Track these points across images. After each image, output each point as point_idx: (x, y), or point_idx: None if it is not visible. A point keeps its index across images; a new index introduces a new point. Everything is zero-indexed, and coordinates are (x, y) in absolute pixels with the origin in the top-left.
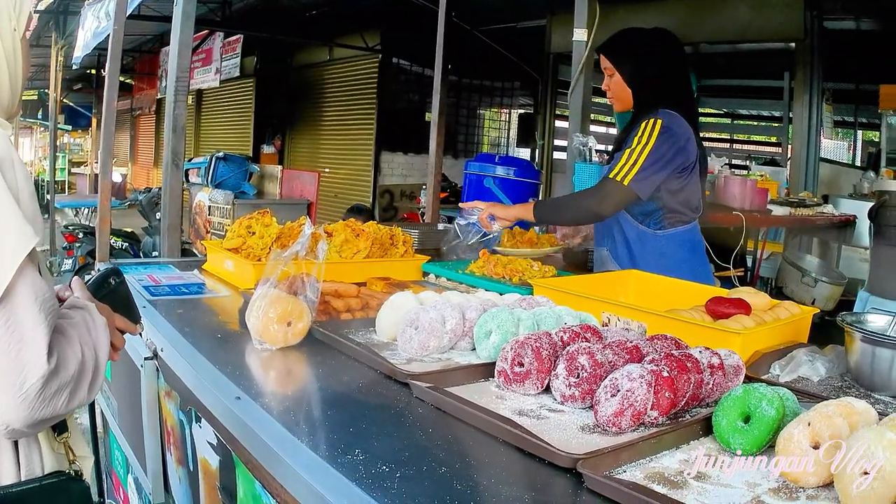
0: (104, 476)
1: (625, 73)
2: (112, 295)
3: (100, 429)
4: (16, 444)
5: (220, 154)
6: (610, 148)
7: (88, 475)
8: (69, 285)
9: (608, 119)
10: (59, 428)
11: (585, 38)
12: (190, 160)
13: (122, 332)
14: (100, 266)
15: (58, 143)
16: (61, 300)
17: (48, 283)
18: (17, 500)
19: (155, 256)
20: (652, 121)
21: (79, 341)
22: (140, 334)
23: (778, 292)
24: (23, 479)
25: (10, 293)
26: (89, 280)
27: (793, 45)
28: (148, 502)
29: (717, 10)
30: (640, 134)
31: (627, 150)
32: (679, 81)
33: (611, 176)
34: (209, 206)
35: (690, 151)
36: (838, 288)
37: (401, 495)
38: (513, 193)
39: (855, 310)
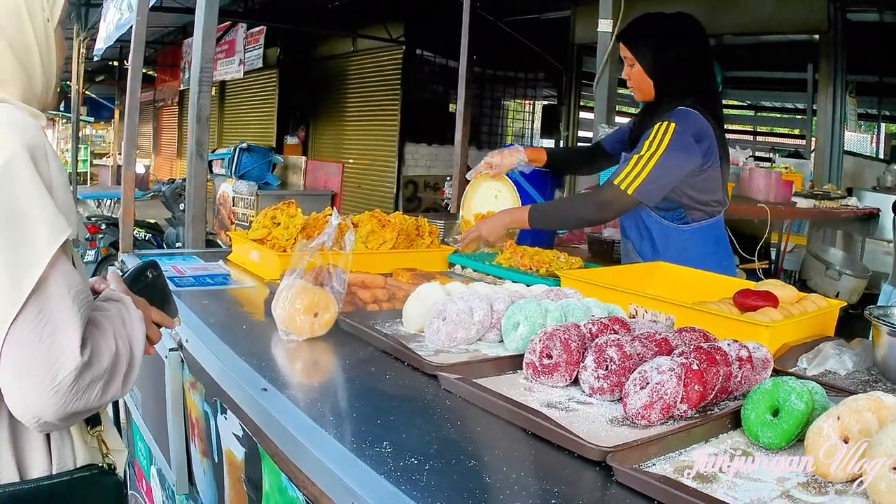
0: (127, 467)
1: (645, 62)
2: (149, 288)
3: (123, 420)
4: (48, 436)
5: (244, 145)
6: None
7: (121, 469)
8: (105, 277)
9: (634, 110)
10: (93, 421)
11: (610, 29)
12: (214, 151)
13: (159, 326)
14: (123, 257)
15: (80, 135)
16: (97, 292)
17: (82, 274)
18: (49, 494)
19: (178, 247)
20: (665, 125)
21: (113, 334)
22: (176, 329)
23: (802, 285)
24: (54, 472)
25: (42, 285)
26: (126, 273)
27: (816, 37)
28: (171, 494)
29: (741, 2)
30: (650, 139)
31: (636, 156)
32: (702, 70)
33: (615, 182)
34: (233, 197)
35: (710, 149)
36: (862, 281)
37: (430, 488)
38: (537, 184)
39: (879, 303)
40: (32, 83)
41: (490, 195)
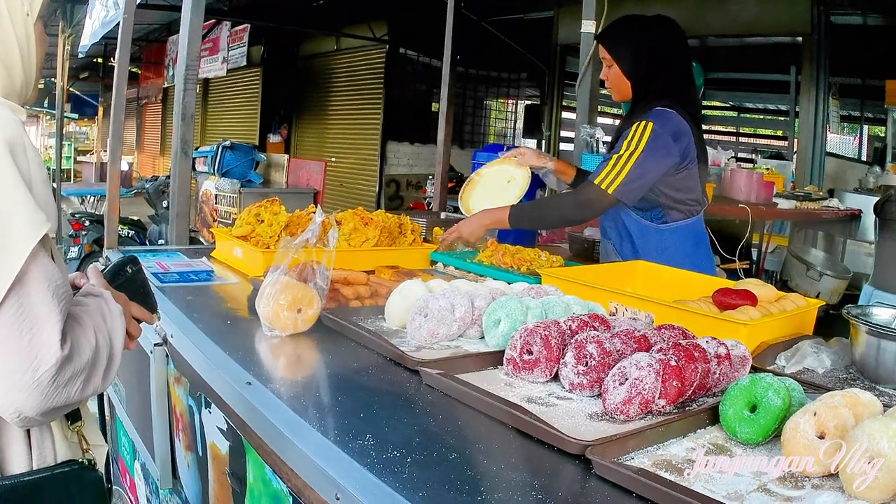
0: (111, 462)
1: (622, 63)
2: (129, 283)
3: (107, 415)
4: (28, 432)
5: (227, 143)
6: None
7: (102, 464)
8: (85, 273)
9: (616, 111)
10: (73, 416)
11: (593, 30)
12: (197, 149)
13: (139, 321)
14: (108, 253)
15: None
16: (77, 288)
17: (62, 270)
18: (30, 489)
19: (161, 244)
20: (643, 124)
21: (93, 328)
22: (156, 324)
23: (783, 285)
24: (35, 468)
25: (22, 279)
26: (106, 268)
27: (800, 39)
28: (155, 488)
29: (725, 4)
30: (629, 138)
31: (615, 156)
32: (680, 72)
33: (595, 182)
34: (216, 195)
35: (687, 148)
36: (843, 282)
37: (412, 480)
38: None
39: (859, 303)
40: (12, 79)
41: (503, 178)
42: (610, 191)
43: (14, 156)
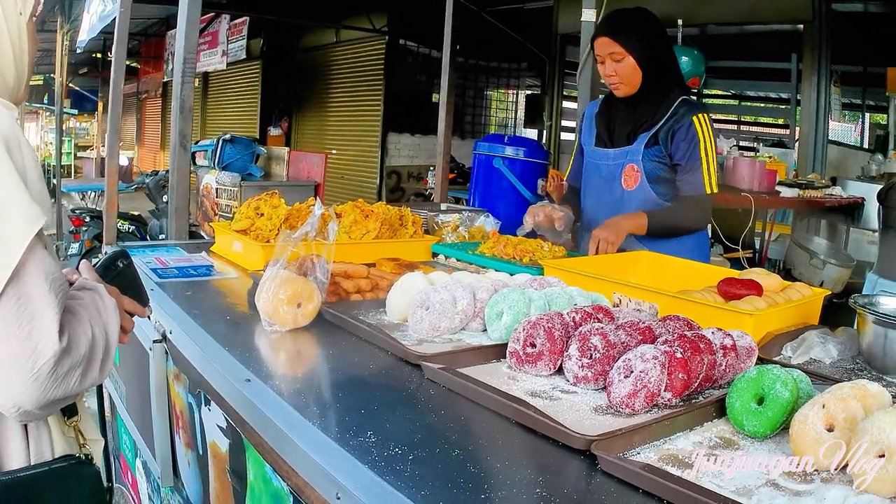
0: (112, 460)
1: (637, 54)
2: (120, 277)
3: (107, 412)
4: (25, 427)
5: (227, 136)
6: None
7: (99, 459)
8: (77, 268)
9: None
10: (69, 411)
11: (594, 19)
12: (197, 143)
13: (132, 315)
14: (107, 249)
15: (63, 128)
16: (69, 283)
17: (56, 264)
18: (28, 485)
19: (162, 239)
20: (703, 120)
21: (89, 321)
22: (149, 317)
23: (786, 274)
24: (32, 463)
25: (19, 272)
26: (97, 263)
27: (800, 26)
28: (157, 486)
29: None
30: (704, 138)
31: (704, 160)
32: (676, 60)
33: (708, 192)
34: (216, 189)
35: None
36: (846, 270)
37: (413, 478)
38: (522, 174)
39: (864, 292)
40: (4, 77)
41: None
42: (715, 190)
43: (9, 151)
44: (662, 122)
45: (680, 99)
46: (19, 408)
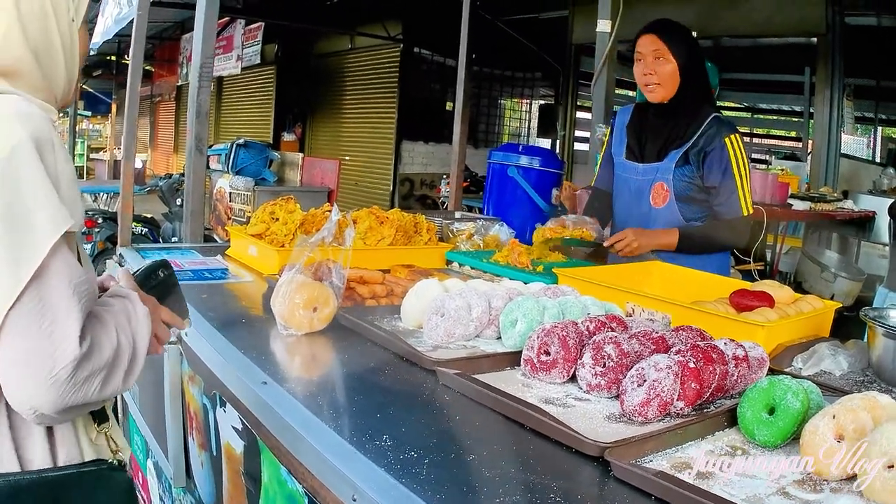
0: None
1: (681, 59)
2: (160, 287)
3: (119, 413)
4: (50, 430)
5: (241, 141)
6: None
7: (129, 467)
8: (112, 275)
9: None
10: (100, 417)
11: (609, 30)
12: (211, 147)
13: (169, 326)
14: (121, 251)
15: (77, 129)
16: (105, 289)
17: (87, 268)
18: (53, 485)
19: (174, 242)
20: (736, 141)
21: (115, 328)
22: (186, 332)
23: (797, 287)
24: (60, 465)
25: (42, 274)
26: (137, 271)
27: (814, 40)
28: (168, 487)
29: (739, 4)
30: (737, 159)
31: (739, 183)
32: (708, 79)
33: (745, 215)
34: (230, 193)
35: None
36: (857, 284)
37: (429, 481)
38: (536, 183)
39: (874, 305)
40: (55, 81)
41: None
42: (751, 210)
43: (41, 152)
44: (693, 139)
45: (711, 116)
46: (36, 410)
